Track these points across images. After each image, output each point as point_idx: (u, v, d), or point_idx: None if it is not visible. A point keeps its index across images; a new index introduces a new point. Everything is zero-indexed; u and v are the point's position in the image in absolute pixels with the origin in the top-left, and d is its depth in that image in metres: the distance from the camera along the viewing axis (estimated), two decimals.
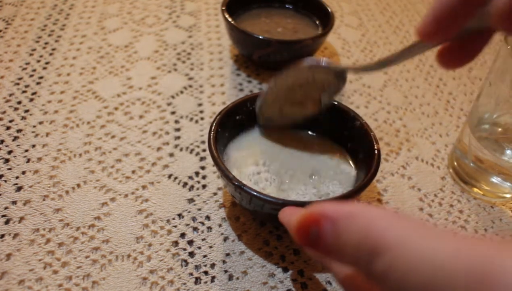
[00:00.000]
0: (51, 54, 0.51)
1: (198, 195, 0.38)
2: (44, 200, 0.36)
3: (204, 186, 0.38)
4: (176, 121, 0.44)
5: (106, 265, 0.32)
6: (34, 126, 0.42)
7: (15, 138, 0.41)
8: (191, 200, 0.37)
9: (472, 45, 0.23)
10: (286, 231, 0.35)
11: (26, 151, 0.40)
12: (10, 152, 0.39)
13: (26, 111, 0.44)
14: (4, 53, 0.51)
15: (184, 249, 0.34)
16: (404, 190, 0.40)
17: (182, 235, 0.35)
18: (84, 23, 0.57)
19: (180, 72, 0.51)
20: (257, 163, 0.36)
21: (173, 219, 0.36)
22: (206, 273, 0.32)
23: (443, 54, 0.24)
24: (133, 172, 0.39)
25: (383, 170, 0.42)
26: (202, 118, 0.45)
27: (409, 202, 0.39)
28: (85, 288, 0.31)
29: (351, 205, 0.17)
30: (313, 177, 0.35)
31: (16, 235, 0.33)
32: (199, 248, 0.34)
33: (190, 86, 0.49)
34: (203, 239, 0.35)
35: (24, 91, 0.46)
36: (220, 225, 0.36)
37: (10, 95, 0.45)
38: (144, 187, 0.38)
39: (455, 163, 0.42)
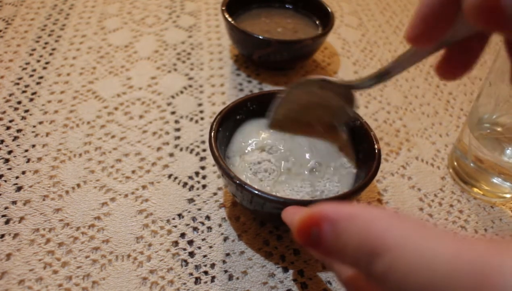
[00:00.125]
0: (51, 54, 0.51)
1: (198, 195, 0.38)
2: (44, 200, 0.36)
3: (204, 186, 0.38)
4: (176, 121, 0.44)
5: (106, 265, 0.32)
6: (34, 126, 0.42)
7: (15, 138, 0.41)
8: (191, 200, 0.37)
9: (468, 54, 0.23)
10: (286, 231, 0.36)
11: (26, 151, 0.40)
12: (10, 152, 0.39)
13: (26, 111, 0.44)
14: (4, 53, 0.51)
15: (184, 249, 0.34)
16: (404, 190, 0.40)
17: (182, 235, 0.35)
18: (84, 23, 0.57)
19: (180, 72, 0.51)
20: (263, 148, 0.36)
21: (173, 219, 0.36)
22: (206, 273, 0.32)
23: (441, 66, 0.24)
24: (133, 172, 0.39)
25: (383, 170, 0.42)
26: (202, 118, 0.45)
27: (409, 202, 0.39)
28: (85, 288, 0.31)
29: (351, 205, 0.17)
30: (314, 171, 0.35)
31: (16, 235, 0.33)
32: (199, 248, 0.34)
33: (190, 86, 0.49)
34: (203, 239, 0.35)
35: (24, 91, 0.46)
36: (220, 225, 0.36)
37: (10, 95, 0.45)
38: (144, 187, 0.38)
39: (455, 163, 0.42)
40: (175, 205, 0.37)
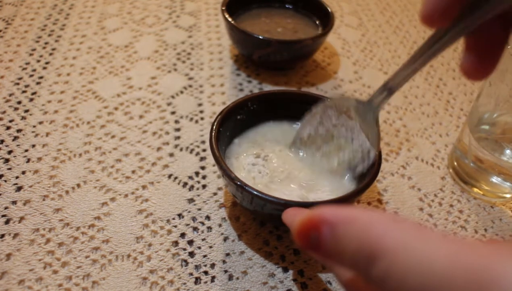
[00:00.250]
0: (51, 54, 0.51)
1: (198, 195, 0.38)
2: (44, 200, 0.36)
3: (204, 186, 0.38)
4: (176, 121, 0.44)
5: (106, 265, 0.32)
6: (34, 126, 0.42)
7: (15, 138, 0.41)
8: (191, 200, 0.37)
9: (492, 43, 0.23)
10: (286, 231, 0.36)
11: (26, 151, 0.40)
12: (10, 152, 0.39)
13: (26, 111, 0.44)
14: (4, 53, 0.51)
15: (184, 249, 0.34)
16: (404, 190, 0.40)
17: (182, 235, 0.35)
18: (84, 23, 0.57)
19: (180, 72, 0.51)
20: (258, 155, 0.36)
21: (173, 219, 0.36)
22: (206, 273, 0.32)
23: (467, 64, 0.23)
24: (133, 172, 0.39)
25: (383, 170, 0.42)
26: (202, 118, 0.45)
27: (409, 202, 0.39)
28: (85, 288, 0.31)
29: (350, 209, 0.17)
30: (307, 183, 0.35)
31: (16, 235, 0.33)
32: (199, 248, 0.34)
33: (190, 86, 0.49)
34: (203, 239, 0.35)
35: (24, 91, 0.46)
36: (220, 225, 0.36)
37: (10, 95, 0.45)
38: (144, 187, 0.38)
39: (455, 163, 0.42)
40: (175, 205, 0.37)
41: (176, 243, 0.34)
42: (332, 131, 0.34)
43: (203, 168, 0.40)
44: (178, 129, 0.44)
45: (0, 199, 0.35)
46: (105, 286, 0.31)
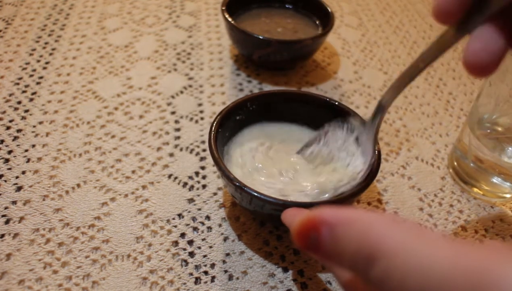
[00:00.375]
0: (51, 54, 0.51)
1: (198, 195, 0.38)
2: (44, 200, 0.36)
3: (204, 186, 0.38)
4: (176, 121, 0.44)
5: (106, 265, 0.32)
6: (34, 126, 0.42)
7: (15, 138, 0.41)
8: (191, 200, 0.37)
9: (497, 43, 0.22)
10: (286, 231, 0.36)
11: (26, 151, 0.40)
12: (10, 152, 0.39)
13: (26, 111, 0.44)
14: (4, 53, 0.51)
15: (184, 249, 0.34)
16: (404, 190, 0.40)
17: (182, 235, 0.35)
18: (84, 23, 0.57)
19: (180, 72, 0.51)
20: (262, 144, 0.37)
21: (173, 219, 0.36)
22: (206, 273, 0.32)
23: (470, 58, 0.23)
24: (133, 172, 0.39)
25: (383, 170, 0.42)
26: (202, 118, 0.45)
27: (409, 202, 0.39)
28: (85, 288, 0.31)
29: (349, 210, 0.17)
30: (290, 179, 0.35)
31: (16, 235, 0.33)
32: (199, 248, 0.34)
33: (190, 86, 0.49)
34: (203, 239, 0.35)
35: (24, 91, 0.46)
36: (220, 225, 0.36)
37: (10, 95, 0.45)
38: (144, 187, 0.38)
39: (455, 163, 0.42)
40: (175, 205, 0.37)
41: (176, 243, 0.34)
42: (333, 154, 0.35)
43: (203, 168, 0.40)
44: (178, 129, 0.44)
45: (0, 199, 0.35)
46: (105, 286, 0.31)
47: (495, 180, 0.39)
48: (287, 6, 0.56)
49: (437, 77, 0.55)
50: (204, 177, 0.39)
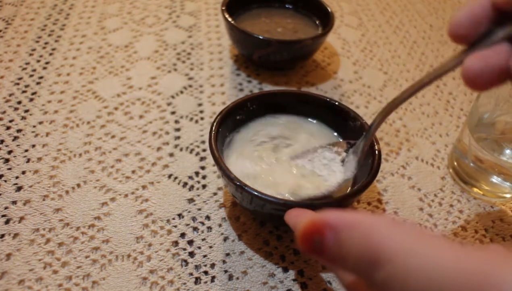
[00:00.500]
0: (51, 54, 0.51)
1: (198, 195, 0.38)
2: (44, 200, 0.36)
3: (204, 186, 0.38)
4: (176, 121, 0.44)
5: (106, 265, 0.32)
6: (34, 126, 0.42)
7: (15, 138, 0.41)
8: (191, 200, 0.37)
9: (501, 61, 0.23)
10: (286, 231, 0.36)
11: (26, 151, 0.40)
12: (10, 152, 0.39)
13: (26, 111, 0.44)
14: (4, 53, 0.51)
15: (184, 249, 0.34)
16: (404, 190, 0.40)
17: (182, 235, 0.35)
18: (84, 23, 0.57)
19: (180, 72, 0.51)
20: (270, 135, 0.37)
21: (173, 219, 0.36)
22: (206, 273, 0.32)
23: (469, 75, 0.23)
24: (133, 172, 0.39)
25: (383, 170, 0.42)
26: (202, 118, 0.45)
27: (409, 202, 0.39)
28: (85, 288, 0.31)
29: (354, 213, 0.18)
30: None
31: (16, 235, 0.33)
32: (199, 248, 0.34)
33: (190, 86, 0.49)
34: (203, 239, 0.35)
35: (24, 91, 0.46)
36: (220, 225, 0.36)
37: (10, 95, 0.45)
38: (144, 187, 0.38)
39: (455, 163, 0.42)
40: (175, 205, 0.37)
41: (176, 243, 0.34)
42: (315, 172, 0.35)
43: (203, 168, 0.40)
44: (178, 129, 0.44)
45: (0, 199, 0.35)
46: (105, 286, 0.31)
47: (495, 180, 0.39)
48: (287, 6, 0.56)
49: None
50: (204, 177, 0.39)
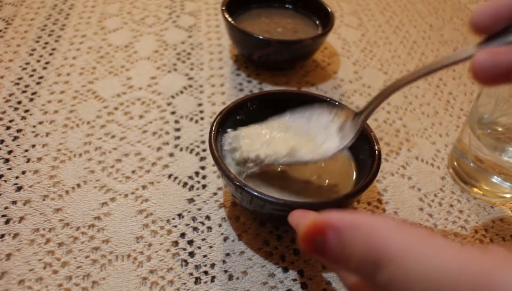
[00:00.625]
0: (51, 54, 0.51)
1: (198, 195, 0.38)
2: (44, 200, 0.36)
3: (204, 186, 0.38)
4: (176, 121, 0.44)
5: (106, 265, 0.32)
6: (34, 126, 0.42)
7: (15, 138, 0.41)
8: (191, 200, 0.37)
9: None
10: (286, 231, 0.36)
11: (26, 151, 0.40)
12: (10, 152, 0.39)
13: (26, 111, 0.44)
14: (4, 53, 0.51)
15: (184, 249, 0.34)
16: (404, 190, 0.40)
17: (182, 235, 0.35)
18: (84, 23, 0.57)
19: (180, 72, 0.51)
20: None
21: (173, 219, 0.36)
22: (206, 273, 0.32)
23: (477, 69, 0.23)
24: (133, 172, 0.39)
25: (383, 170, 0.42)
26: (202, 118, 0.45)
27: (409, 202, 0.39)
28: (85, 288, 0.31)
29: (356, 214, 0.18)
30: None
31: (16, 235, 0.33)
32: (199, 248, 0.34)
33: (190, 86, 0.49)
34: (203, 239, 0.35)
35: (24, 91, 0.46)
36: (220, 225, 0.36)
37: (10, 95, 0.45)
38: (144, 187, 0.38)
39: (455, 163, 0.42)
40: (175, 205, 0.37)
41: (176, 243, 0.34)
42: (311, 132, 0.35)
43: (203, 168, 0.40)
44: (178, 129, 0.44)
45: (0, 199, 0.35)
46: (105, 286, 0.31)
47: (495, 180, 0.39)
48: (287, 6, 0.56)
49: (437, 77, 0.55)
50: (204, 177, 0.39)
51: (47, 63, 0.50)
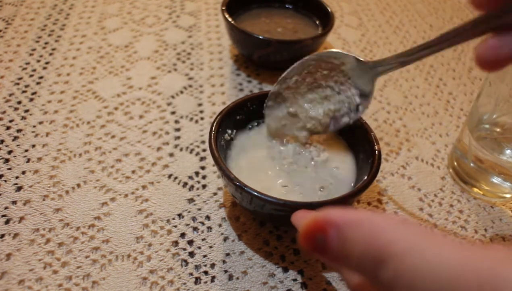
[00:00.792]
0: (51, 54, 0.51)
1: (198, 195, 0.38)
2: (44, 200, 0.36)
3: (204, 186, 0.38)
4: (176, 121, 0.44)
5: (106, 265, 0.32)
6: (34, 126, 0.42)
7: (15, 138, 0.41)
8: (191, 200, 0.37)
9: None
10: (286, 231, 0.36)
11: (26, 151, 0.40)
12: (10, 152, 0.39)
13: (26, 111, 0.44)
14: (4, 53, 0.51)
15: (184, 249, 0.34)
16: (404, 190, 0.40)
17: (182, 235, 0.35)
18: (84, 23, 0.57)
19: (180, 72, 0.51)
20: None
21: (173, 219, 0.36)
22: (206, 273, 0.32)
23: (483, 55, 0.23)
24: (133, 172, 0.39)
25: (383, 170, 0.42)
26: (202, 118, 0.45)
27: (409, 202, 0.39)
28: (85, 288, 0.31)
29: (357, 211, 0.17)
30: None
31: (16, 235, 0.33)
32: (199, 248, 0.34)
33: (190, 86, 0.49)
34: (203, 239, 0.35)
35: (24, 91, 0.46)
36: (220, 225, 0.36)
37: (10, 95, 0.45)
38: (144, 187, 0.38)
39: (455, 163, 0.42)
40: (175, 205, 0.37)
41: (176, 243, 0.34)
42: (320, 81, 0.35)
43: (203, 168, 0.40)
44: (178, 129, 0.44)
45: (0, 199, 0.35)
46: (105, 286, 0.31)
47: (495, 180, 0.39)
48: (287, 6, 0.56)
49: (437, 77, 0.55)
50: (204, 177, 0.39)
51: (47, 63, 0.50)
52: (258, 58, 0.50)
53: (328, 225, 0.17)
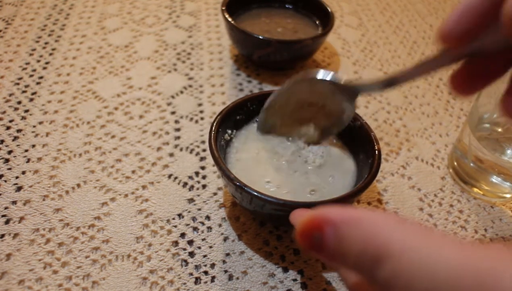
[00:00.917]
0: (51, 54, 0.51)
1: (198, 195, 0.38)
2: (44, 200, 0.36)
3: (204, 186, 0.38)
4: (176, 121, 0.44)
5: (106, 265, 0.32)
6: (34, 126, 0.42)
7: (15, 138, 0.41)
8: (191, 200, 0.37)
9: (491, 70, 0.23)
10: (286, 231, 0.36)
11: (26, 151, 0.40)
12: (10, 152, 0.39)
13: (26, 111, 0.44)
14: (4, 53, 0.51)
15: (184, 249, 0.34)
16: (404, 190, 0.40)
17: (182, 235, 0.35)
18: (84, 23, 0.57)
19: (180, 72, 0.51)
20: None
21: (173, 219, 0.36)
22: (206, 273, 0.32)
23: (457, 79, 0.23)
24: (133, 172, 0.39)
25: (383, 170, 0.42)
26: (202, 118, 0.45)
27: (409, 202, 0.39)
28: (85, 288, 0.31)
29: (354, 209, 0.17)
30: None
31: (16, 235, 0.33)
32: (199, 248, 0.34)
33: (190, 86, 0.49)
34: (203, 239, 0.35)
35: (24, 91, 0.46)
36: (220, 225, 0.36)
37: (10, 95, 0.45)
38: (144, 187, 0.38)
39: (455, 163, 0.42)
40: (175, 205, 0.37)
41: (176, 243, 0.34)
42: (303, 101, 0.35)
43: (203, 168, 0.40)
44: (178, 129, 0.44)
45: (0, 199, 0.35)
46: (105, 286, 0.31)
47: (495, 180, 0.39)
48: (287, 6, 0.56)
49: (437, 77, 0.55)
50: (204, 177, 0.39)
51: (47, 63, 0.50)
52: (258, 58, 0.50)
53: (325, 223, 0.17)
